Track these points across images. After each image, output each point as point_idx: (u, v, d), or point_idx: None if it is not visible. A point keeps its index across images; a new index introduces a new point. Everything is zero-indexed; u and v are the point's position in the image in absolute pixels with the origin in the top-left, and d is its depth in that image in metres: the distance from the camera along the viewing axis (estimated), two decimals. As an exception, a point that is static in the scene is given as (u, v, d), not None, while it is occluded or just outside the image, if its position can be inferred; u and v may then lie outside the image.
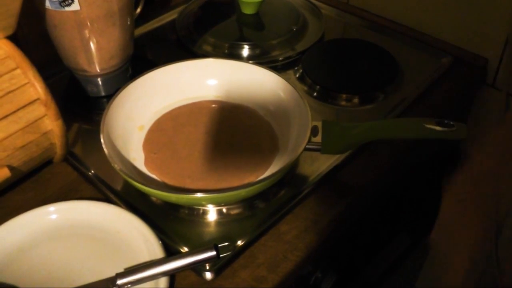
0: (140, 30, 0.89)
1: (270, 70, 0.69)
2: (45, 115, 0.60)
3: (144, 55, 0.85)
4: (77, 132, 0.72)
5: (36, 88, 0.60)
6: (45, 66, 0.63)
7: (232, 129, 0.68)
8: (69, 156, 0.67)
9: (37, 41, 0.75)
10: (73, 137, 0.71)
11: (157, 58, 0.84)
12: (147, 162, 0.64)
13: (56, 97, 0.61)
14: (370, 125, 0.63)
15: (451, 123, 0.60)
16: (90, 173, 0.66)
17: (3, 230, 0.57)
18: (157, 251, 0.55)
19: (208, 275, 0.55)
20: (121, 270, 0.54)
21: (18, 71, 0.59)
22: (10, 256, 0.56)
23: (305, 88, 0.78)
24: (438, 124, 0.60)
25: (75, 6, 0.65)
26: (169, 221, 0.60)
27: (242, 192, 0.58)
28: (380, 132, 0.62)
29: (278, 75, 0.68)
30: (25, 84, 0.60)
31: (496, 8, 0.79)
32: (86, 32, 0.68)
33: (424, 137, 0.61)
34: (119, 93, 0.66)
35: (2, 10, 0.57)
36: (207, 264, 0.55)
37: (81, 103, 0.76)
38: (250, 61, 0.75)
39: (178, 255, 0.54)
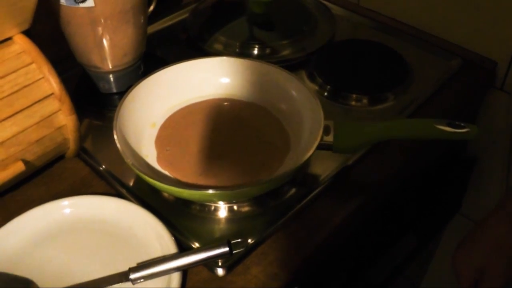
0: (151, 29, 0.89)
1: (283, 69, 0.69)
2: (59, 109, 0.61)
3: (155, 53, 0.85)
4: (88, 128, 0.72)
5: (51, 83, 0.60)
6: (57, 62, 0.63)
7: (244, 127, 0.68)
8: (81, 152, 0.68)
9: (50, 37, 0.75)
10: (84, 133, 0.71)
11: (168, 56, 0.84)
12: (159, 159, 0.65)
13: (68, 93, 0.61)
14: (382, 125, 0.63)
15: (462, 124, 0.61)
16: (101, 168, 0.66)
17: (17, 224, 0.57)
18: (170, 247, 0.55)
19: (220, 271, 0.56)
20: (133, 264, 0.54)
21: (33, 66, 0.60)
22: (24, 249, 0.56)
23: (316, 88, 0.78)
24: (449, 125, 0.60)
25: (90, 3, 0.65)
26: (181, 217, 0.61)
27: (254, 190, 0.59)
28: (392, 132, 0.63)
29: (291, 74, 0.68)
30: (40, 79, 0.60)
31: (505, 11, 0.80)
32: (100, 29, 0.68)
33: (435, 138, 0.62)
34: (132, 89, 0.66)
35: (19, 5, 0.58)
36: (219, 260, 0.55)
37: (93, 99, 0.77)
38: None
39: (191, 250, 0.54)
